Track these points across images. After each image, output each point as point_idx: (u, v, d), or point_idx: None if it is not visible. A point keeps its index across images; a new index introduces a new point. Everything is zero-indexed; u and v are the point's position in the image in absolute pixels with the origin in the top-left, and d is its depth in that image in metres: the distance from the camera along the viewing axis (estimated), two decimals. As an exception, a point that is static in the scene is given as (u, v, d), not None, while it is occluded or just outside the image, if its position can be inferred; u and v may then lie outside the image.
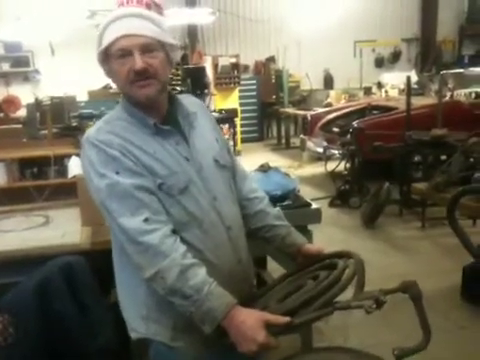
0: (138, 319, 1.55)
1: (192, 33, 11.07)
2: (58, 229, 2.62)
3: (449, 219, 2.97)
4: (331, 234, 4.92)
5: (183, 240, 1.46)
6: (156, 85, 1.48)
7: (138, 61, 1.43)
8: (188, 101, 1.65)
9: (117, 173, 1.42)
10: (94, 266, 2.15)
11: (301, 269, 1.67)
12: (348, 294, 1.42)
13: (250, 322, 1.35)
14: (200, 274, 1.39)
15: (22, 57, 9.99)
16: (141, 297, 1.51)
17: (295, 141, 9.95)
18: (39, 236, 2.51)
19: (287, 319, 1.35)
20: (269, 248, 1.81)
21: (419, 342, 1.41)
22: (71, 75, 9.42)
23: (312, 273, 1.58)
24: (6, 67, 9.99)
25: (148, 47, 1.45)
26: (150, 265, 1.39)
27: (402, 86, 8.73)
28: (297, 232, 1.75)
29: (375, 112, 7.39)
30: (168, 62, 1.53)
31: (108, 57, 1.47)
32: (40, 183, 4.01)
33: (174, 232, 1.44)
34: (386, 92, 9.46)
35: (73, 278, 2.06)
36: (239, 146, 9.77)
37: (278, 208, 1.80)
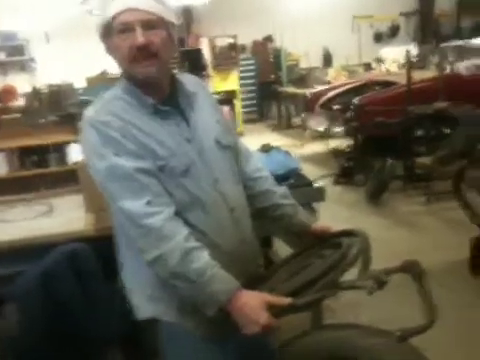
0: (144, 300, 1.54)
1: (187, 14, 10.94)
2: (61, 217, 2.61)
3: (455, 191, 2.94)
4: (336, 211, 4.90)
5: (186, 221, 1.44)
6: (157, 64, 1.44)
7: (139, 36, 1.40)
8: (188, 81, 1.61)
9: (117, 155, 1.39)
10: (99, 252, 2.14)
11: (308, 248, 1.65)
12: (355, 272, 1.40)
13: (252, 304, 1.35)
14: (203, 257, 1.38)
15: (17, 46, 9.91)
16: (146, 277, 1.50)
17: (296, 120, 9.89)
18: (43, 225, 2.50)
19: (289, 300, 1.35)
20: (274, 228, 1.79)
21: (423, 323, 1.39)
22: (67, 62, 9.34)
23: (318, 252, 1.57)
24: (2, 56, 9.90)
25: (150, 23, 1.42)
26: (152, 248, 1.38)
27: (402, 60, 8.62)
28: (304, 211, 1.74)
29: (377, 88, 7.32)
30: (170, 41, 1.49)
31: (110, 32, 1.44)
32: (41, 171, 3.99)
33: (177, 214, 1.42)
34: (386, 68, 9.34)
35: (78, 265, 2.05)
36: (241, 127, 9.72)
37: (285, 187, 1.78)
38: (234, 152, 1.66)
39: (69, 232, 2.36)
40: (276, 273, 1.63)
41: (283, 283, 1.49)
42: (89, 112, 1.46)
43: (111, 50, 1.48)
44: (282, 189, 1.75)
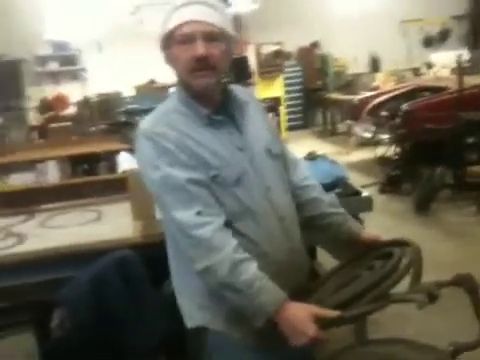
0: (193, 308, 1.56)
1: (235, 22, 11.00)
2: (110, 224, 2.67)
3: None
4: (381, 221, 4.79)
5: (237, 231, 1.46)
6: (214, 76, 1.47)
7: (200, 48, 1.42)
8: (239, 91, 1.63)
9: (171, 166, 1.42)
10: (146, 259, 2.18)
11: (357, 258, 1.62)
12: (405, 283, 1.37)
13: (299, 316, 1.35)
14: (251, 269, 1.39)
15: (70, 56, 10.19)
16: (195, 286, 1.51)
17: (340, 127, 9.79)
18: (92, 231, 2.56)
19: (337, 313, 1.33)
20: (322, 237, 1.77)
21: (477, 337, 1.35)
22: (117, 71, 9.54)
23: (368, 263, 1.54)
24: (55, 66, 10.20)
25: (211, 36, 1.44)
26: (202, 258, 1.40)
27: (453, 65, 8.40)
28: (353, 220, 1.72)
29: (426, 94, 7.15)
30: (227, 54, 1.51)
31: (170, 42, 1.47)
32: (91, 179, 4.09)
33: (226, 225, 1.44)
34: (434, 73, 9.10)
35: (126, 272, 2.09)
36: (284, 134, 9.71)
37: (333, 195, 1.77)
38: (283, 160, 1.67)
39: (117, 239, 2.41)
40: (324, 285, 1.61)
41: (331, 295, 1.47)
42: (145, 124, 1.50)
43: (170, 60, 1.51)
44: (330, 197, 1.75)
